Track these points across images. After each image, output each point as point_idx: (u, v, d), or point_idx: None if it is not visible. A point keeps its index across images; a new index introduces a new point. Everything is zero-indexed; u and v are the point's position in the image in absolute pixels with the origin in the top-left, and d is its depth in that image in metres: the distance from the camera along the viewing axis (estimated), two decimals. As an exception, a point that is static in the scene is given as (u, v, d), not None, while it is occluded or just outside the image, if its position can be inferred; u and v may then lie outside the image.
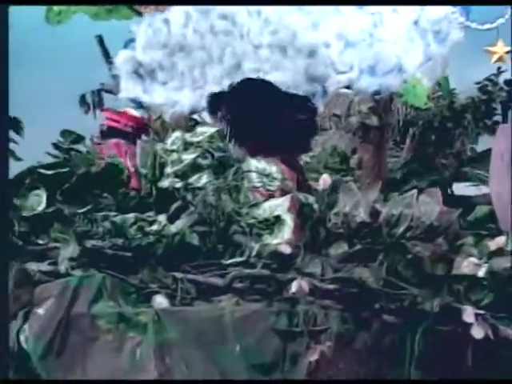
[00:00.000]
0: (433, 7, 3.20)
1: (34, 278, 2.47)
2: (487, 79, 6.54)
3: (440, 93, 6.61)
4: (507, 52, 3.01)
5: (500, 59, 3.09)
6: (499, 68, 6.27)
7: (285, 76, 3.12)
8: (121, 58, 3.42)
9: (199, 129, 2.89)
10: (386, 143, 6.11)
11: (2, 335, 2.31)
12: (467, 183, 6.27)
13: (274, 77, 3.09)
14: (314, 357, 2.23)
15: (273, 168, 2.68)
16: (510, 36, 3.05)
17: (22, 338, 2.38)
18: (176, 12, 3.35)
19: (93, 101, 4.63)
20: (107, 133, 4.17)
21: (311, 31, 3.22)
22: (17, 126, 3.04)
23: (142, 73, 3.37)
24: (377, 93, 3.35)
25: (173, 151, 2.84)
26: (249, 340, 2.28)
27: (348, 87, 3.21)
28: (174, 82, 3.33)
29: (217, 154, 2.82)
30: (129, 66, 3.38)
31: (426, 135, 6.49)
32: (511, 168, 2.52)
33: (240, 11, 3.29)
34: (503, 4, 3.09)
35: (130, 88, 3.37)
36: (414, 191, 2.43)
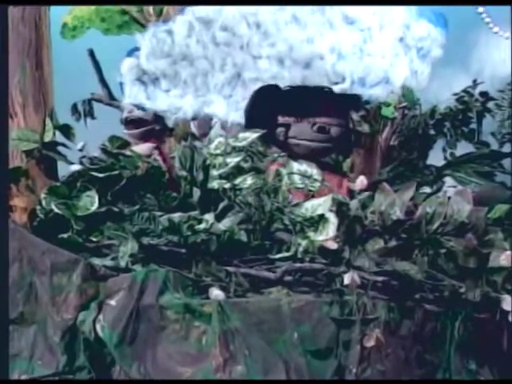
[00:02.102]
0: (418, 25, 3.25)
1: (99, 272, 2.45)
2: (464, 91, 6.67)
3: (405, 103, 6.75)
4: None
5: None
6: (475, 81, 6.40)
7: (282, 86, 3.15)
8: (126, 65, 3.37)
9: (241, 134, 2.89)
10: (376, 148, 6.20)
11: (1, 335, 2.31)
12: (448, 184, 6.40)
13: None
14: (370, 343, 2.26)
15: (314, 170, 2.69)
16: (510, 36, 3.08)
17: (98, 327, 2.36)
18: (179, 23, 3.32)
19: (84, 109, 4.61)
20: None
21: (307, 44, 3.24)
22: (68, 132, 3.00)
23: (145, 80, 3.33)
24: (366, 102, 3.41)
25: (217, 155, 2.83)
26: (305, 328, 2.29)
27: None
28: (176, 90, 3.30)
29: (257, 159, 2.83)
30: (133, 74, 3.34)
31: (412, 141, 6.60)
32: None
33: (240, 24, 3.30)
34: (503, 4, 3.12)
35: (133, 94, 3.34)
36: (447, 191, 2.47)
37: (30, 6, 3.01)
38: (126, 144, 3.10)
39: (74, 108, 4.74)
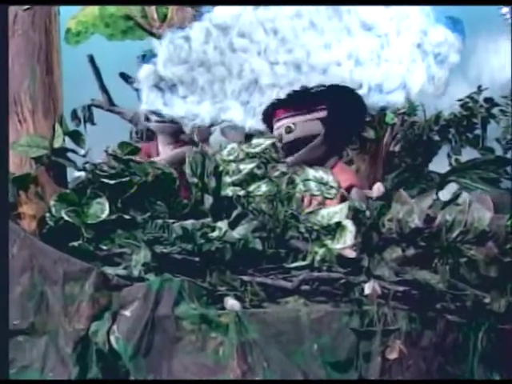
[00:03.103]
0: (435, 31, 3.21)
1: (111, 281, 2.39)
2: (468, 97, 6.64)
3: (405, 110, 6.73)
4: None
5: None
6: (479, 87, 6.38)
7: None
8: (143, 72, 3.34)
9: (255, 140, 2.83)
10: (381, 154, 6.16)
11: (1, 335, 2.25)
12: (452, 191, 6.35)
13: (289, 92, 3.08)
14: (393, 355, 2.18)
15: (330, 177, 2.63)
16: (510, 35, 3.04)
17: (112, 338, 2.29)
18: (196, 29, 3.30)
19: (83, 115, 4.57)
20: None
21: (324, 51, 3.22)
22: (78, 138, 2.94)
23: (162, 87, 3.30)
24: (384, 108, 3.36)
25: (230, 161, 2.77)
26: (324, 339, 2.23)
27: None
28: (194, 96, 3.28)
29: (272, 165, 2.77)
30: (150, 80, 3.30)
31: (416, 147, 6.56)
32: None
33: (257, 30, 3.25)
34: (503, 4, 3.08)
35: (150, 101, 3.31)
36: (467, 198, 2.42)
37: (39, 10, 2.95)
38: (135, 150, 3.04)
39: (74, 114, 4.70)
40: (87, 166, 2.96)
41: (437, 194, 5.24)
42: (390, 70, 3.22)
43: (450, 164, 5.55)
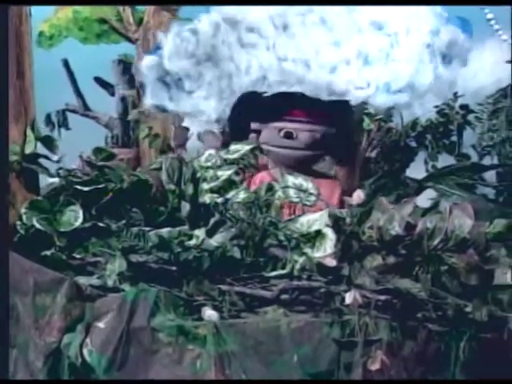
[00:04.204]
0: (446, 31, 3.17)
1: (85, 292, 2.32)
2: (445, 103, 6.69)
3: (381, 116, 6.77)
4: None
5: None
6: (455, 93, 6.43)
7: (307, 89, 3.03)
8: (146, 63, 3.22)
9: (233, 147, 2.78)
10: (358, 160, 6.16)
11: (2, 335, 2.19)
12: (429, 197, 6.39)
13: (297, 90, 3.01)
14: (375, 366, 2.15)
15: (309, 184, 2.60)
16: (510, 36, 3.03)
17: (85, 351, 2.21)
18: (205, 22, 3.18)
19: (58, 120, 4.50)
20: None
21: (333, 48, 3.14)
22: (50, 143, 2.85)
23: (168, 81, 3.18)
24: (391, 108, 3.31)
25: (208, 168, 2.72)
26: (305, 350, 2.18)
27: (365, 103, 3.15)
28: (200, 92, 3.15)
29: (249, 171, 2.73)
30: (155, 73, 3.18)
31: (393, 153, 6.58)
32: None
33: (266, 25, 3.14)
34: (503, 4, 3.07)
35: (155, 95, 3.17)
36: (447, 206, 2.40)
37: (10, 11, 2.88)
38: (110, 156, 2.97)
39: (48, 118, 4.63)
40: (61, 172, 2.89)
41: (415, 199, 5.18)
42: (397, 69, 3.16)
43: (427, 170, 5.58)
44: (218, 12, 3.20)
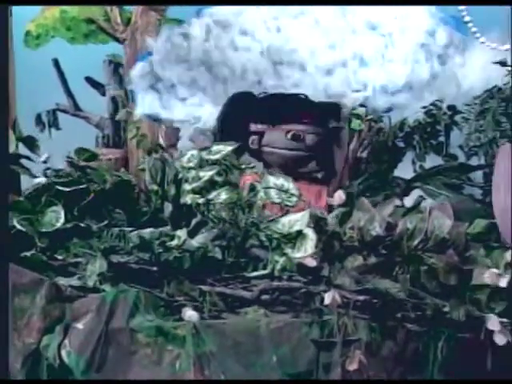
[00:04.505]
0: (441, 31, 3.15)
1: (64, 292, 2.32)
2: (432, 104, 6.71)
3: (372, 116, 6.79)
4: None
5: None
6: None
7: (304, 93, 3.00)
8: (136, 71, 3.18)
9: (215, 147, 2.78)
10: (348, 160, 6.16)
11: (2, 335, 2.18)
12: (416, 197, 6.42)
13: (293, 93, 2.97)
14: (353, 366, 2.16)
15: (290, 184, 2.61)
16: (509, 38, 3.03)
17: (63, 352, 2.21)
18: (196, 26, 3.15)
19: (48, 120, 4.49)
20: None
21: (329, 50, 3.12)
22: (32, 144, 2.84)
23: (160, 88, 3.14)
24: (389, 110, 3.29)
25: (190, 168, 2.72)
26: (284, 350, 2.19)
27: (362, 105, 3.13)
28: (194, 98, 3.11)
29: (231, 172, 2.73)
30: (146, 81, 3.14)
31: (381, 153, 6.60)
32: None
33: (259, 27, 3.12)
34: (503, 4, 3.06)
35: (146, 103, 3.13)
36: (427, 206, 2.42)
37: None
38: (93, 156, 2.97)
39: (38, 118, 4.62)
40: (48, 172, 2.88)
41: (402, 200, 5.28)
42: (394, 70, 3.16)
43: (415, 170, 5.60)
44: (209, 15, 3.17)
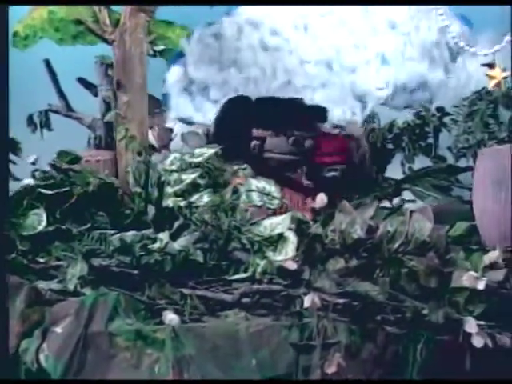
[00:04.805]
0: (453, 27, 3.16)
1: (44, 296, 2.32)
2: (421, 105, 6.74)
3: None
4: (505, 77, 3.04)
5: (498, 84, 3.08)
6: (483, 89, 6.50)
7: (332, 92, 3.02)
8: (173, 75, 3.15)
9: (198, 150, 2.78)
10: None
11: (2, 335, 2.18)
12: (406, 198, 6.43)
13: (322, 93, 2.98)
14: (331, 369, 2.16)
15: (272, 187, 2.61)
16: (509, 38, 3.04)
17: (41, 357, 2.20)
18: (227, 25, 3.13)
19: (40, 121, 4.49)
20: None
21: (353, 49, 3.14)
22: (15, 147, 2.84)
23: (192, 90, 3.12)
24: (408, 107, 3.30)
25: (172, 171, 2.72)
26: (263, 353, 2.19)
27: (384, 104, 3.13)
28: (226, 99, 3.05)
29: (215, 174, 2.73)
30: (180, 84, 3.13)
31: (371, 154, 6.62)
32: (498, 186, 2.55)
33: (287, 27, 3.09)
34: (503, 4, 3.08)
35: (181, 107, 3.11)
36: (408, 209, 2.43)
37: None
38: (76, 159, 2.97)
39: (30, 119, 4.61)
40: (37, 173, 2.88)
41: (391, 201, 5.31)
42: (412, 68, 3.19)
43: (404, 172, 5.63)
44: (239, 14, 3.14)
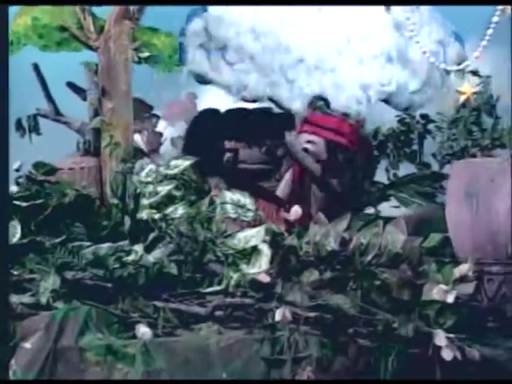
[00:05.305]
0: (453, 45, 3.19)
1: (16, 310, 2.31)
2: (405, 112, 6.77)
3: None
4: (474, 93, 3.06)
5: (468, 99, 3.10)
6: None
7: (341, 78, 3.02)
8: (193, 27, 3.08)
9: (173, 162, 2.78)
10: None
11: (1, 335, 2.14)
12: (391, 204, 6.44)
13: (330, 78, 2.97)
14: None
15: (247, 199, 2.62)
16: (509, 39, 3.05)
17: (10, 372, 2.18)
18: None
19: (28, 125, 4.47)
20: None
21: (362, 41, 3.14)
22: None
23: (210, 47, 3.07)
24: (407, 108, 3.33)
25: (148, 183, 2.72)
26: (234, 367, 2.19)
27: (385, 100, 3.14)
28: (242, 64, 3.05)
29: (190, 186, 2.73)
30: (199, 38, 3.06)
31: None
32: (470, 199, 2.56)
33: (302, 8, 3.05)
34: (503, 4, 3.09)
35: (197, 61, 3.04)
36: (381, 221, 2.44)
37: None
38: (51, 170, 2.95)
39: (18, 124, 4.59)
40: (20, 180, 2.86)
41: (376, 207, 5.33)
42: (414, 70, 3.21)
43: (389, 178, 5.65)
44: None
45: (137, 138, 4.14)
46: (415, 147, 5.51)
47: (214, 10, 3.03)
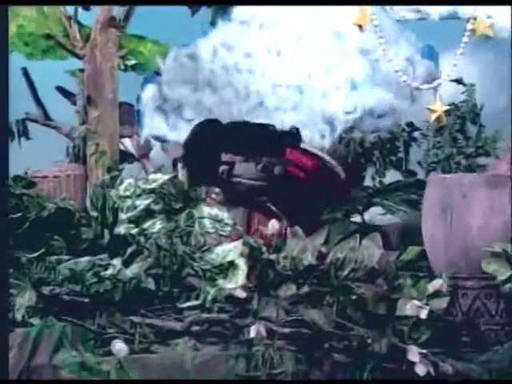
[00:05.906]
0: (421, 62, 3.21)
1: (-10, 327, 2.31)
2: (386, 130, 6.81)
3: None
4: (446, 111, 3.08)
5: (438, 118, 3.11)
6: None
7: (303, 115, 3.05)
8: (148, 93, 3.17)
9: (152, 176, 2.79)
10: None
11: (1, 335, 2.14)
12: (377, 212, 6.46)
13: (292, 116, 3.01)
14: (276, 398, 2.17)
15: (224, 214, 2.62)
16: (509, 40, 3.06)
17: (-17, 391, 2.22)
18: (203, 47, 3.16)
19: (18, 130, 4.46)
20: None
21: (326, 73, 3.18)
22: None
23: (167, 109, 3.14)
24: (375, 132, 3.34)
25: (126, 197, 2.72)
26: (209, 384, 2.23)
27: (352, 127, 3.16)
28: (199, 120, 3.10)
29: (169, 200, 2.73)
30: (154, 102, 3.15)
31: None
32: (444, 214, 2.58)
33: (261, 51, 3.14)
34: (503, 4, 3.10)
35: (155, 125, 3.13)
36: (357, 236, 2.45)
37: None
38: (30, 184, 2.95)
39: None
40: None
41: (362, 215, 5.33)
42: (380, 94, 3.25)
43: (375, 186, 5.66)
44: (215, 37, 3.17)
45: (127, 143, 4.14)
46: (401, 155, 5.54)
47: (166, 72, 3.08)
